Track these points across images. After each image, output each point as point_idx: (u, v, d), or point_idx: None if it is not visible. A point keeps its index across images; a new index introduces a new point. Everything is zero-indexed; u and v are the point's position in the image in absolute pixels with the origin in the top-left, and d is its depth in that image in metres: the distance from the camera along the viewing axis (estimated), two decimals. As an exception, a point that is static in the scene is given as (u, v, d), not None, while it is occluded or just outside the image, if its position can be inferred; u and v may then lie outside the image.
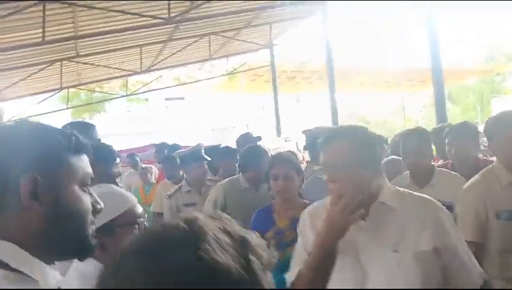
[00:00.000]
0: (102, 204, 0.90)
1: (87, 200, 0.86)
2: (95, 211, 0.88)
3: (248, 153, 2.94)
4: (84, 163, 0.87)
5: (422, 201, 1.51)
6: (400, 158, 2.64)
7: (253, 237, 0.54)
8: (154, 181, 5.99)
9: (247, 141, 4.44)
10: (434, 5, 7.19)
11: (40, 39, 7.13)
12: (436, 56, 6.93)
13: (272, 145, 9.75)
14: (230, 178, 3.06)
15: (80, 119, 9.36)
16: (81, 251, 0.86)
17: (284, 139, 12.91)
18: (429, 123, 15.63)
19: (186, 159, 3.80)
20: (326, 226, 1.37)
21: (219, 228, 0.52)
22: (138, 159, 7.17)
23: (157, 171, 6.24)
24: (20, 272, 0.74)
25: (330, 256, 1.37)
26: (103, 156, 1.93)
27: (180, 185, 3.81)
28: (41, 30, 6.89)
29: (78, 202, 0.83)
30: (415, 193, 1.57)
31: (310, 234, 1.51)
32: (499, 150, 2.10)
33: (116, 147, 2.04)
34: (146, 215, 1.51)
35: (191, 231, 0.50)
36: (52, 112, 13.13)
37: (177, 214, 0.60)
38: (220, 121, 20.86)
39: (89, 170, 0.88)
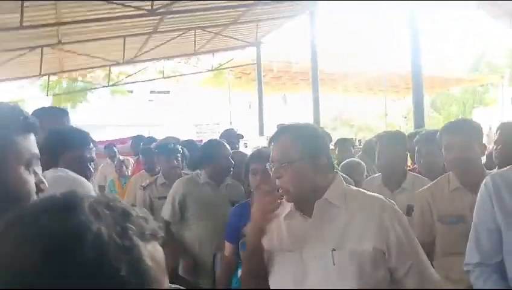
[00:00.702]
0: (46, 184, 0.89)
1: (31, 181, 0.84)
2: (39, 190, 0.87)
3: (207, 147, 2.91)
4: (30, 143, 0.85)
5: (369, 201, 1.48)
6: (358, 160, 2.65)
7: (138, 211, 0.56)
8: (129, 174, 5.89)
9: (230, 136, 4.43)
10: (418, 5, 7.19)
11: (18, 24, 6.96)
12: (416, 62, 7.00)
13: (254, 144, 9.73)
14: (191, 174, 3.02)
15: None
16: None
17: (266, 138, 12.87)
18: (410, 129, 15.76)
19: (157, 153, 3.75)
20: (250, 225, 1.40)
21: (99, 200, 0.54)
22: (116, 150, 7.07)
23: (134, 164, 6.14)
24: None
25: (255, 254, 1.39)
26: (75, 141, 1.89)
27: (156, 176, 3.76)
28: (19, 15, 6.72)
29: (22, 183, 0.82)
30: (367, 192, 1.55)
31: None
32: (445, 156, 2.19)
33: (97, 138, 1.99)
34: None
35: (65, 201, 0.52)
36: (31, 98, 12.86)
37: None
38: (204, 116, 20.73)
39: (35, 150, 0.86)
